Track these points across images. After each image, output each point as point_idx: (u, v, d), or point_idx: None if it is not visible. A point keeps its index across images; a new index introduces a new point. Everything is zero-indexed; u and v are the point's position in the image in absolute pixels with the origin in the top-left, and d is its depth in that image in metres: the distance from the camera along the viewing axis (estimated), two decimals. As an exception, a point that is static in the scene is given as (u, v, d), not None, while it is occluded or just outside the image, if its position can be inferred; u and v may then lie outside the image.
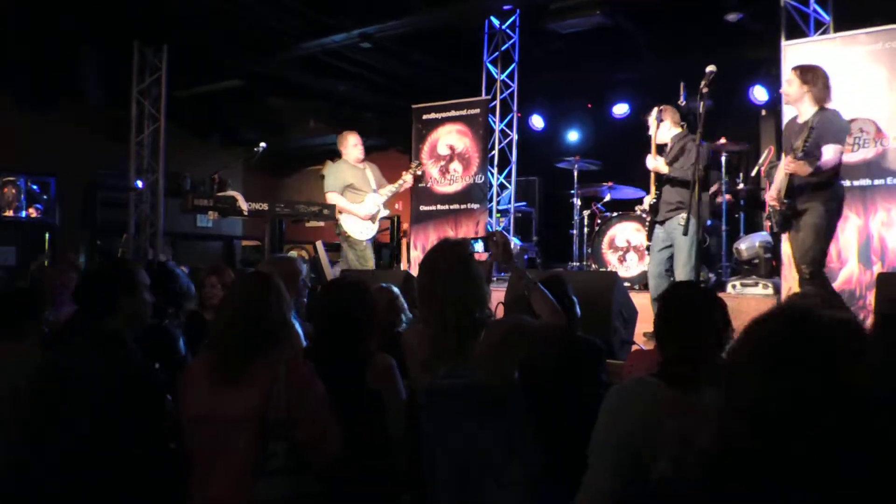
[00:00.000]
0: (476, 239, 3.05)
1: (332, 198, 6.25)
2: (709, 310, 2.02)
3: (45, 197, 9.01)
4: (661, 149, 5.08)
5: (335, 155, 12.31)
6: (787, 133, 4.38)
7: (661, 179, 5.00)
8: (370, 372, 2.33)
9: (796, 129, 4.17)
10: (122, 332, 2.38)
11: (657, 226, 4.99)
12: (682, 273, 4.71)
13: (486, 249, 2.86)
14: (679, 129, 5.09)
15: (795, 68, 4.25)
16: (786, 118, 5.37)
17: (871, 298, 4.66)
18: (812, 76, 4.14)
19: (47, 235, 8.83)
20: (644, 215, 5.33)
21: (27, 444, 2.34)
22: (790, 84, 4.22)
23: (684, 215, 4.55)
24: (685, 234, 4.47)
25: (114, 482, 2.20)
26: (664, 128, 5.04)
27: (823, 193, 4.05)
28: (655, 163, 4.93)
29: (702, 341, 1.94)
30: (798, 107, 4.23)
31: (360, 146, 6.48)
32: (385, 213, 6.45)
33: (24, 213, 8.87)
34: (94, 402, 2.24)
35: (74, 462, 2.22)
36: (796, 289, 5.16)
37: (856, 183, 5.05)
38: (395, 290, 3.46)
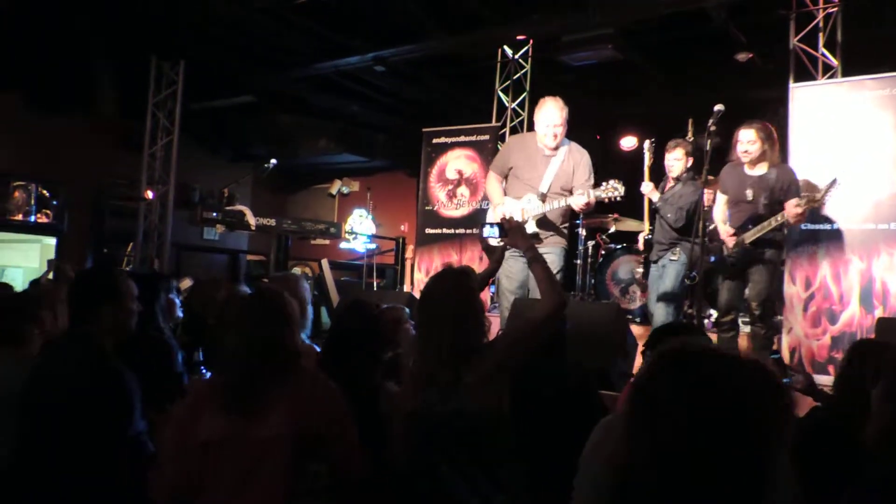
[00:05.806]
0: (492, 225, 3.04)
1: (488, 179, 4.88)
2: None
3: (54, 202, 9.07)
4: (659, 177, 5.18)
5: (344, 174, 12.13)
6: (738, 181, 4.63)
7: (655, 217, 5.09)
8: (382, 399, 2.31)
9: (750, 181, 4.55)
10: (98, 337, 2.39)
11: (652, 264, 5.03)
12: (661, 309, 4.77)
13: (501, 235, 2.86)
14: (685, 172, 5.02)
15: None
16: (792, 157, 5.43)
17: (871, 342, 4.67)
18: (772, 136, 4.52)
19: (55, 241, 8.90)
20: (639, 253, 5.39)
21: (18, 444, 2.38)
22: (752, 143, 4.50)
23: (677, 251, 4.80)
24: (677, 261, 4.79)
25: (80, 483, 2.22)
26: (677, 162, 5.03)
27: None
28: (649, 188, 5.04)
29: None
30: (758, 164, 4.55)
31: (553, 128, 4.51)
32: (532, 228, 4.45)
33: (32, 218, 8.93)
34: (62, 404, 2.27)
35: (45, 460, 2.26)
36: (796, 328, 5.18)
37: (860, 227, 5.08)
38: (407, 311, 3.38)
